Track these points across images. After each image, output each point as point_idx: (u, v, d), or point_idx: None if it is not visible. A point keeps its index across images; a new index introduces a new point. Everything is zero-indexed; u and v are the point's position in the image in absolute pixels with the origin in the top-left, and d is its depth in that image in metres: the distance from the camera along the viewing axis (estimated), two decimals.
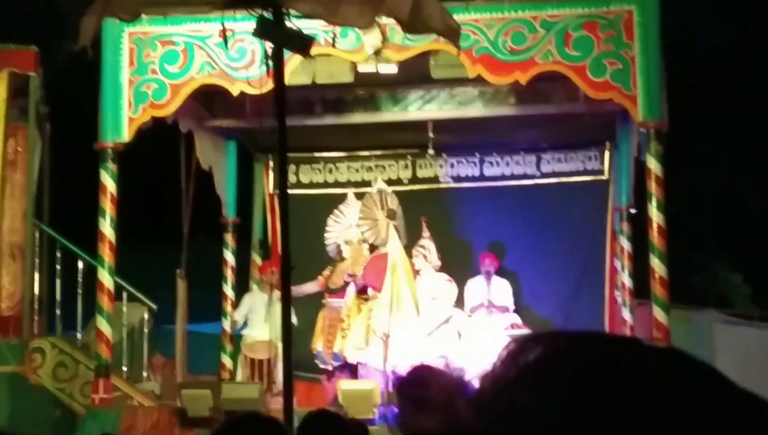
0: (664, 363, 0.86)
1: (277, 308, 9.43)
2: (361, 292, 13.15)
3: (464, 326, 12.98)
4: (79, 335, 12.48)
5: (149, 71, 11.41)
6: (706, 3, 19.61)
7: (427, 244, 13.36)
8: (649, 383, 0.83)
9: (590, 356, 0.86)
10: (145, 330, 13.28)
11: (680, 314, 13.43)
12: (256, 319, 13.14)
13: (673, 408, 0.82)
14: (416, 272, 13.03)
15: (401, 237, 13.12)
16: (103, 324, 11.16)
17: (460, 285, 13.40)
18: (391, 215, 13.14)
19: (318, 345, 13.26)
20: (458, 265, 13.84)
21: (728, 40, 20.38)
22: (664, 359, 0.87)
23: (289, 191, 7.54)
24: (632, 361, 0.86)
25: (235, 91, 11.51)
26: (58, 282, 12.58)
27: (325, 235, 13.87)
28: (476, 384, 0.92)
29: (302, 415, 4.69)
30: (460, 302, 13.31)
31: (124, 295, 12.67)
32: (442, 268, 13.45)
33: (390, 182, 14.61)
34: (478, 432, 0.86)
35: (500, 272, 13.77)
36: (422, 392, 3.86)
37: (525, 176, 14.65)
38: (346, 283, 13.25)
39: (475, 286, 13.46)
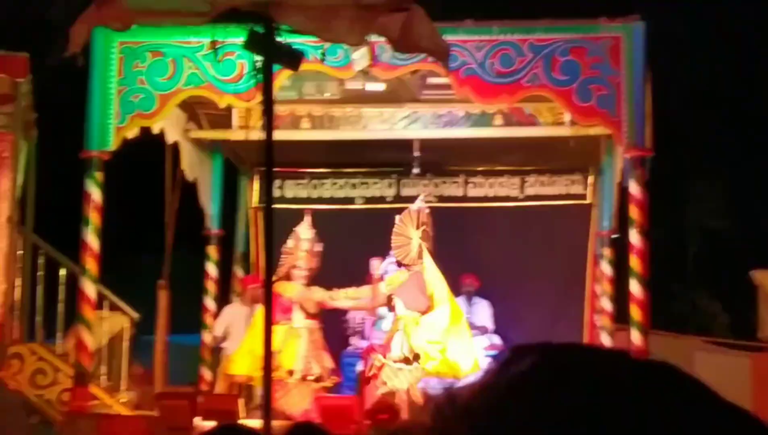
0: (654, 374, 0.88)
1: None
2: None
3: None
4: (59, 343, 12.42)
5: (137, 81, 11.38)
6: (695, 33, 19.70)
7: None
8: (641, 393, 0.84)
9: (581, 366, 0.87)
10: (126, 340, 13.24)
11: (661, 340, 13.45)
12: (237, 332, 13.11)
13: (664, 417, 0.83)
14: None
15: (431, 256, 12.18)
16: (84, 332, 11.13)
17: None
18: (425, 237, 12.07)
19: None
20: None
21: (721, 70, 20.48)
22: (654, 370, 0.88)
23: (273, 206, 7.54)
24: (624, 372, 0.87)
25: (222, 104, 11.54)
26: (39, 288, 12.53)
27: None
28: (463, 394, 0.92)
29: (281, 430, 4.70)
30: None
31: (105, 303, 12.62)
32: None
33: (373, 200, 14.60)
34: None
35: (481, 293, 13.78)
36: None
37: (508, 198, 14.67)
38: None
39: None
